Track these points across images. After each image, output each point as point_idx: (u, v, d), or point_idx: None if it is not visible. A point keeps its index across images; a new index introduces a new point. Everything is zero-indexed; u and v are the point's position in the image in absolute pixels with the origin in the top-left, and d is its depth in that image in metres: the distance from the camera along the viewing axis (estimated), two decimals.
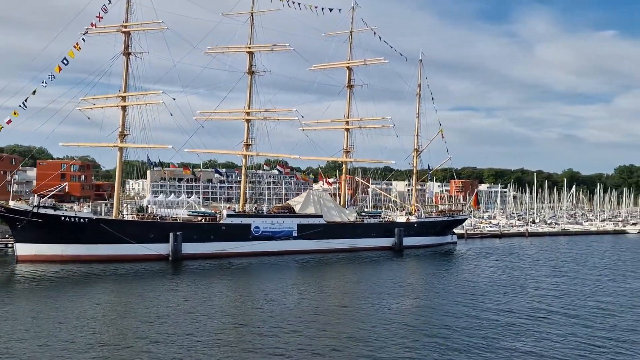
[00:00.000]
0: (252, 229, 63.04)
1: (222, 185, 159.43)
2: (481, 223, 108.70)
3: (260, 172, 75.05)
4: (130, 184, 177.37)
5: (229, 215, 62.68)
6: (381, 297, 40.02)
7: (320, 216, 68.07)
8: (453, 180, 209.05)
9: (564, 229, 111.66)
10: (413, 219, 77.91)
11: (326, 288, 45.80)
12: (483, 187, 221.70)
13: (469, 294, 41.95)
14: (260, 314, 33.93)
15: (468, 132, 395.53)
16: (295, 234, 65.62)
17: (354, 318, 33.42)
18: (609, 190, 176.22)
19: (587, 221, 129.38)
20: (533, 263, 63.85)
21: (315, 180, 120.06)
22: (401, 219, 78.29)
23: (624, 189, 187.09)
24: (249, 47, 66.49)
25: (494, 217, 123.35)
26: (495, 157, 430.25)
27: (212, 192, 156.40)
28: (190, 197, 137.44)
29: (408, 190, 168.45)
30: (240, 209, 67.27)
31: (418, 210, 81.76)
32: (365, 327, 30.78)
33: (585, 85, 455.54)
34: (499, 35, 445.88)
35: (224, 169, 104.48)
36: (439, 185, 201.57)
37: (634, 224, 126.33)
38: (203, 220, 62.25)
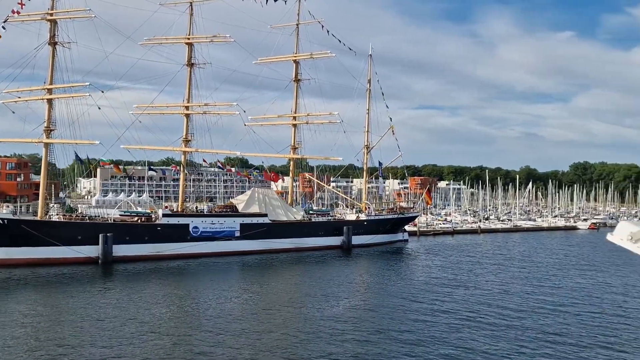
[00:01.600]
0: (190, 229, 60.04)
1: (175, 183, 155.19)
2: (437, 220, 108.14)
3: (214, 169, 72.07)
4: (82, 182, 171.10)
5: (164, 215, 59.54)
6: (324, 299, 38.47)
7: (265, 215, 65.54)
8: (411, 178, 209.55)
9: (516, 226, 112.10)
10: (363, 217, 76.17)
11: (268, 290, 43.60)
12: (442, 184, 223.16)
13: (409, 294, 40.87)
14: (196, 321, 31.68)
15: (432, 131, 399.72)
16: (237, 234, 62.91)
17: (296, 321, 31.87)
18: (563, 187, 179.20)
19: (541, 217, 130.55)
20: (480, 260, 63.09)
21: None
22: (351, 217, 76.47)
23: (578, 185, 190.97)
24: (188, 38, 63.37)
25: (449, 214, 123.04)
26: (457, 155, 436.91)
27: (164, 191, 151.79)
28: (141, 196, 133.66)
29: (369, 187, 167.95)
30: (179, 208, 64.11)
31: (368, 208, 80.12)
32: (307, 330, 29.42)
33: (545, 85, 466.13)
34: (462, 35, 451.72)
35: (163, 167, 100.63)
36: (399, 183, 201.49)
37: (585, 219, 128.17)
38: (139, 221, 58.99)
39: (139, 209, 63.20)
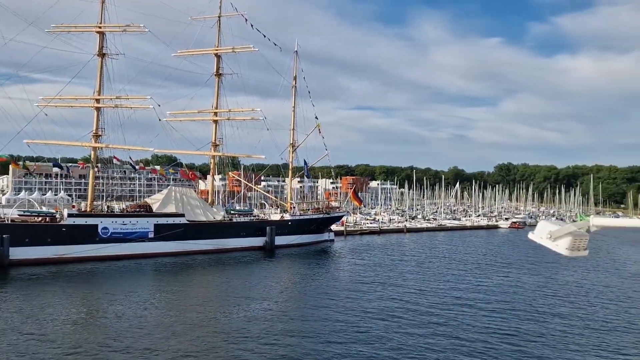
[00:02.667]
0: (99, 230, 56.20)
1: (87, 181, 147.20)
2: (365, 220, 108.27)
3: (138, 166, 67.98)
4: None
5: (70, 215, 55.40)
6: (242, 302, 37.11)
7: (182, 215, 62.52)
8: (343, 177, 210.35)
9: (441, 225, 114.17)
10: (287, 217, 74.52)
11: (183, 294, 41.03)
12: (374, 184, 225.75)
13: (327, 294, 40.41)
14: (100, 330, 28.99)
15: (367, 131, 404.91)
16: (151, 235, 59.55)
17: (212, 326, 30.52)
18: (488, 187, 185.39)
19: (465, 217, 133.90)
20: (403, 259, 63.24)
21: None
22: (275, 217, 74.65)
23: (501, 185, 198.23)
24: (99, 27, 59.35)
25: (378, 214, 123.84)
26: (391, 155, 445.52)
27: (85, 189, 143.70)
28: (57, 195, 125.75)
29: (301, 187, 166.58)
30: (88, 208, 59.94)
31: (294, 208, 78.61)
32: (223, 335, 28.31)
33: (475, 89, 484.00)
34: (396, 38, 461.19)
35: (69, 163, 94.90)
36: (331, 182, 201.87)
37: (506, 219, 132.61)
38: (42, 221, 54.55)
39: (43, 209, 58.56)
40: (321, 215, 77.99)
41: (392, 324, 31.39)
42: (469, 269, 57.32)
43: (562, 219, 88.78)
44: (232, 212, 71.52)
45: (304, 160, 77.46)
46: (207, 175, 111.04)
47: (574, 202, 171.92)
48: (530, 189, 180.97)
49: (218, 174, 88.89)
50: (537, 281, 50.40)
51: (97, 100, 59.61)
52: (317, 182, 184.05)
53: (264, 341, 27.27)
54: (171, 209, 62.69)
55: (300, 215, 76.06)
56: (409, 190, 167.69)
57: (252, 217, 72.14)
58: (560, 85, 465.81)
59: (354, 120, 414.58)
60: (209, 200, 70.52)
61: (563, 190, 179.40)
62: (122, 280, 46.84)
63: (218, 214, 66.91)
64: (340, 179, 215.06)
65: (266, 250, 67.55)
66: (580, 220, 5.37)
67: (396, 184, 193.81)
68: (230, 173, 78.18)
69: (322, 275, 51.57)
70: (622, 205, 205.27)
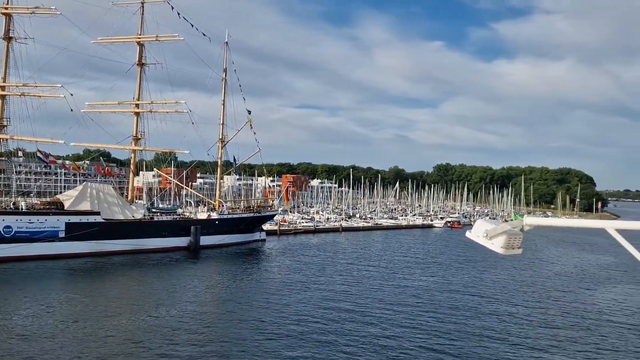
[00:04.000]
0: (1, 229, 51.44)
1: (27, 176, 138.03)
2: (301, 219, 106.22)
3: (48, 160, 62.72)
4: None
5: None
6: (158, 306, 35.22)
7: (97, 213, 58.34)
8: (284, 175, 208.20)
9: (377, 224, 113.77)
10: (215, 215, 71.34)
11: (96, 299, 37.80)
12: (315, 182, 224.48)
13: (246, 298, 39.22)
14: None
15: (312, 130, 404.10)
16: (62, 234, 55.17)
17: (125, 332, 28.80)
18: (426, 186, 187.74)
19: (402, 216, 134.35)
20: (334, 260, 61.78)
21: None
22: (202, 215, 71.31)
23: (439, 185, 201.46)
24: (5, 8, 54.46)
25: (316, 213, 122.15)
26: (336, 154, 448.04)
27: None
28: None
29: (238, 184, 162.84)
30: None
31: (222, 206, 75.47)
32: (137, 342, 26.84)
33: (417, 91, 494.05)
34: (342, 38, 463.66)
35: None
36: (271, 180, 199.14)
37: (442, 218, 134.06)
38: None
39: None
40: (251, 214, 75.23)
41: (308, 329, 30.23)
42: (397, 269, 56.62)
43: (494, 218, 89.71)
44: (153, 210, 67.66)
45: (233, 157, 74.53)
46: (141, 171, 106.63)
47: (506, 202, 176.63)
48: (465, 189, 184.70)
49: (151, 170, 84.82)
50: (463, 280, 50.05)
51: (2, 88, 54.64)
52: (256, 180, 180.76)
53: (174, 350, 25.28)
54: (85, 206, 58.38)
55: (229, 213, 73.05)
56: (349, 189, 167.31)
57: (176, 216, 68.50)
58: (498, 89, 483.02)
59: (299, 119, 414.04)
60: (129, 198, 66.34)
61: (497, 190, 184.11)
62: (23, 284, 42.62)
63: (138, 212, 62.94)
64: (266, 176, 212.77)
65: (190, 250, 64.26)
66: (515, 219, 5.50)
67: (337, 183, 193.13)
68: (155, 170, 73.98)
69: (246, 278, 49.45)
70: (552, 206, 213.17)
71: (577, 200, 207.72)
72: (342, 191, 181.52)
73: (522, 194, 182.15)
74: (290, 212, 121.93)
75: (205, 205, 78.88)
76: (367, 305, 37.09)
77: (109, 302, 36.82)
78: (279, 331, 29.81)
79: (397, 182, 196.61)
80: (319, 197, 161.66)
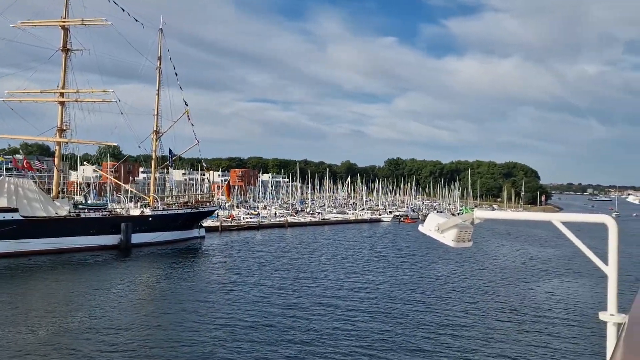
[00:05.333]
0: None
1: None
2: (247, 215, 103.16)
3: None
4: None
5: None
6: (81, 310, 32.97)
7: (15, 210, 53.85)
8: (232, 170, 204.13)
9: (325, 219, 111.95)
10: (148, 211, 67.56)
11: (14, 304, 34.57)
12: (265, 177, 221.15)
13: (179, 299, 37.20)
14: None
15: (265, 124, 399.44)
16: None
17: (48, 337, 27.11)
18: (377, 180, 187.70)
19: (351, 210, 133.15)
20: (275, 256, 59.62)
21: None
22: (135, 212, 67.41)
23: (389, 179, 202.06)
24: None
25: (263, 208, 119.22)
26: (289, 148, 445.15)
27: None
28: None
29: (185, 179, 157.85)
30: None
31: (156, 201, 71.68)
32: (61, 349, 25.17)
33: (371, 86, 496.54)
34: (295, 32, 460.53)
35: None
36: (219, 175, 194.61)
37: (390, 212, 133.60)
38: None
39: None
40: (188, 210, 71.72)
41: (240, 330, 28.90)
42: (338, 264, 54.93)
43: (441, 212, 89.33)
44: (81, 206, 63.38)
45: (169, 149, 70.72)
46: (82, 166, 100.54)
47: (454, 195, 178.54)
48: (413, 183, 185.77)
49: (93, 164, 79.88)
50: (405, 275, 48.92)
51: None
52: (207, 174, 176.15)
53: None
54: (2, 202, 53.79)
55: (164, 209, 69.42)
56: (300, 183, 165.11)
57: (106, 212, 64.40)
58: (449, 86, 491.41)
59: (252, 112, 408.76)
60: (53, 193, 61.83)
61: (446, 184, 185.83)
62: None
63: (62, 209, 58.60)
64: (205, 170, 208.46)
65: (120, 249, 60.47)
66: (465, 212, 5.55)
67: (288, 178, 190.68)
68: (86, 164, 69.52)
69: (178, 278, 46.91)
70: (499, 199, 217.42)
71: (522, 193, 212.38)
72: (292, 186, 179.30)
73: (470, 187, 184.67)
74: (237, 207, 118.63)
75: (138, 201, 74.80)
76: (304, 303, 35.86)
77: (25, 308, 33.64)
78: (211, 334, 28.22)
79: (349, 177, 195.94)
80: (269, 192, 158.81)
